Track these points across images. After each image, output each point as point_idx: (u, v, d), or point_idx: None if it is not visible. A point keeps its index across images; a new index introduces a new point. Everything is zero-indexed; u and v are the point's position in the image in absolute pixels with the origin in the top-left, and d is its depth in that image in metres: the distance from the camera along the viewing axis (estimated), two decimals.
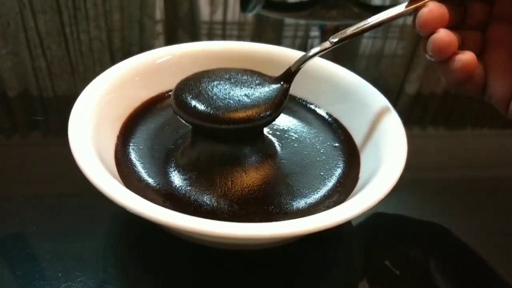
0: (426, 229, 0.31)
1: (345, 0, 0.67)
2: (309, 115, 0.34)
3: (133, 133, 0.30)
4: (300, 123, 0.33)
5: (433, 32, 0.25)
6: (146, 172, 0.27)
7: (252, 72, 0.28)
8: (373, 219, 0.30)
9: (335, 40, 0.27)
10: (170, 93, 0.30)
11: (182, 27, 0.60)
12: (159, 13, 0.61)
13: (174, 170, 0.28)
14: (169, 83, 0.32)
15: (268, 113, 0.26)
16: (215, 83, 0.27)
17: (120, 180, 0.25)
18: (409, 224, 0.31)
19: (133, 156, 0.28)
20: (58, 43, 0.49)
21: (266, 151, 0.30)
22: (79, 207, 0.29)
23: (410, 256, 0.29)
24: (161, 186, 0.27)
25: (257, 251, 0.27)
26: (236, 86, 0.27)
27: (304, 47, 0.56)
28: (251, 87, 0.27)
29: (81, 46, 0.49)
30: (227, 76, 0.28)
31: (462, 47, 0.26)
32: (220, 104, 0.26)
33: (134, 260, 0.27)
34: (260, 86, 0.27)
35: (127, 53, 0.49)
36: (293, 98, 0.35)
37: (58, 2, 0.57)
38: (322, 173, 0.29)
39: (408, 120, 0.43)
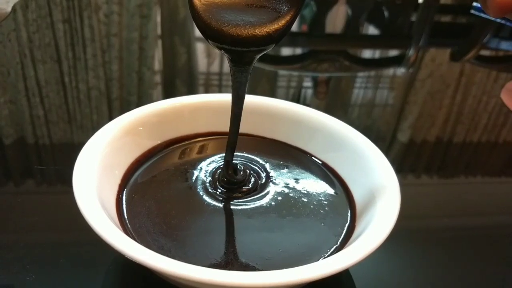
0: (422, 277, 0.30)
1: (336, 54, 0.70)
2: (305, 164, 0.34)
3: (134, 182, 0.30)
4: (298, 172, 0.33)
5: None
6: (146, 221, 0.27)
7: None
8: (368, 266, 0.30)
9: None
10: (172, 142, 0.34)
11: (180, 78, 0.61)
12: (157, 64, 0.63)
13: (173, 219, 0.28)
14: (171, 133, 0.35)
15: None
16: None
17: (121, 228, 0.25)
18: (405, 272, 0.31)
19: (134, 205, 0.28)
20: (56, 92, 0.50)
21: (265, 197, 0.30)
22: (77, 256, 0.29)
23: None
24: (161, 234, 0.26)
25: None
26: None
27: (297, 97, 0.58)
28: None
29: (79, 95, 0.50)
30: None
31: None
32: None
33: None
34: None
35: (125, 102, 0.51)
36: (289, 146, 0.36)
37: (59, 52, 0.58)
38: (322, 224, 0.29)
39: (401, 168, 0.44)
